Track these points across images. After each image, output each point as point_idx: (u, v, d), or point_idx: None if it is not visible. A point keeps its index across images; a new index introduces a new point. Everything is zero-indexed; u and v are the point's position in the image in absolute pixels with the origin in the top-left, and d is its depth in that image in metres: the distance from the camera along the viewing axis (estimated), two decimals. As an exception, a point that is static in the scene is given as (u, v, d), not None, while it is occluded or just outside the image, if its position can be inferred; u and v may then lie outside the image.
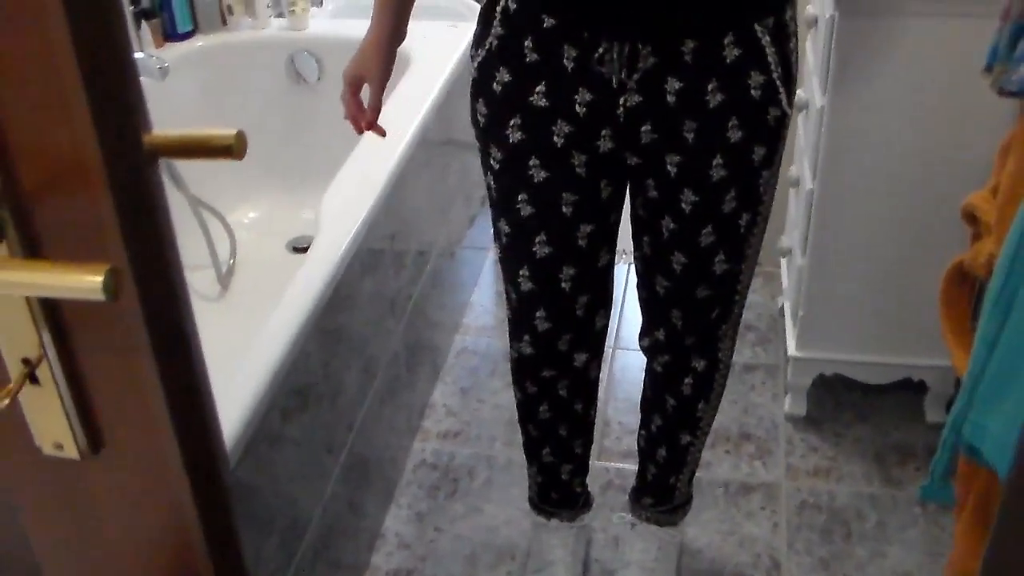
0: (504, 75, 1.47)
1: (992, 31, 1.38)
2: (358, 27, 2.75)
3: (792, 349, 2.32)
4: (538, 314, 1.64)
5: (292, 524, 1.69)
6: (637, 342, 1.79)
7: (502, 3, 1.45)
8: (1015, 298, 1.17)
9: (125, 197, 0.69)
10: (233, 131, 0.72)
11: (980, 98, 1.44)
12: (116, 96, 0.71)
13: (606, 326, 1.74)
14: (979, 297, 1.45)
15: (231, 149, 0.73)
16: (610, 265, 1.67)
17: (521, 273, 1.61)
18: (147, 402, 0.79)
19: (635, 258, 1.67)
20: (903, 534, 2.11)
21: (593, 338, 1.73)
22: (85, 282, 0.66)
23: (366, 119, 1.68)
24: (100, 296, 0.65)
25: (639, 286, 1.69)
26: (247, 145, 0.75)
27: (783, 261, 2.65)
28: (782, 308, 2.58)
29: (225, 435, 1.12)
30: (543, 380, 1.75)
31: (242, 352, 1.60)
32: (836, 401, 2.44)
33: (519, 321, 1.68)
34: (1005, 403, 1.19)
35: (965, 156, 1.93)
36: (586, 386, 1.81)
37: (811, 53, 2.28)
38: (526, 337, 1.68)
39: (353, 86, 1.67)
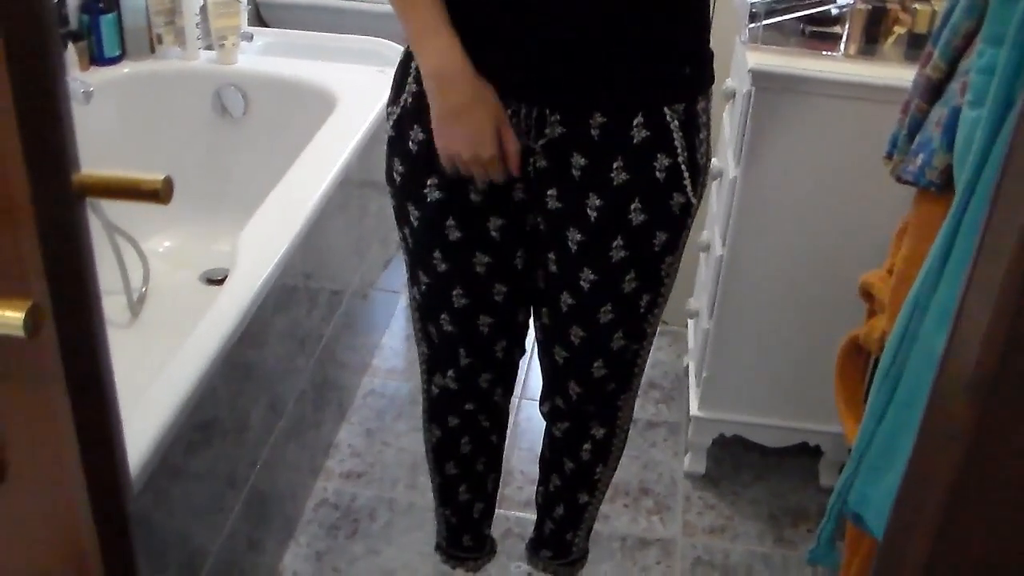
0: (418, 133, 1.47)
1: (894, 119, 1.45)
2: (286, 65, 2.81)
3: (694, 409, 2.38)
4: (461, 351, 1.67)
5: (189, 559, 1.68)
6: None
7: (416, 61, 1.44)
8: (902, 376, 1.22)
9: (51, 236, 0.71)
10: (161, 176, 0.74)
11: (882, 180, 1.50)
12: (47, 137, 0.72)
13: (519, 361, 1.76)
14: (873, 371, 1.51)
15: (158, 194, 0.75)
16: (528, 317, 1.70)
17: (442, 317, 1.63)
18: (57, 435, 0.80)
19: (535, 326, 1.68)
20: (792, 595, 2.17)
21: (510, 375, 1.76)
22: (5, 318, 0.67)
23: (514, 157, 1.42)
24: (20, 333, 0.66)
25: (540, 353, 1.71)
26: (174, 190, 0.77)
27: (690, 322, 2.71)
28: (687, 367, 2.64)
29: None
30: (465, 413, 1.78)
31: (149, 381, 1.59)
32: (735, 461, 2.50)
33: (441, 357, 1.70)
34: (888, 475, 1.25)
35: (866, 234, 2.00)
36: (501, 419, 1.85)
37: (727, 125, 2.36)
38: (450, 373, 1.70)
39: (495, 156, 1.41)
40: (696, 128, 1.44)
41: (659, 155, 1.41)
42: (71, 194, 0.73)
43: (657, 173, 1.42)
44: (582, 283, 1.52)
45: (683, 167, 1.43)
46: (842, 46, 2.01)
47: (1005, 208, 0.60)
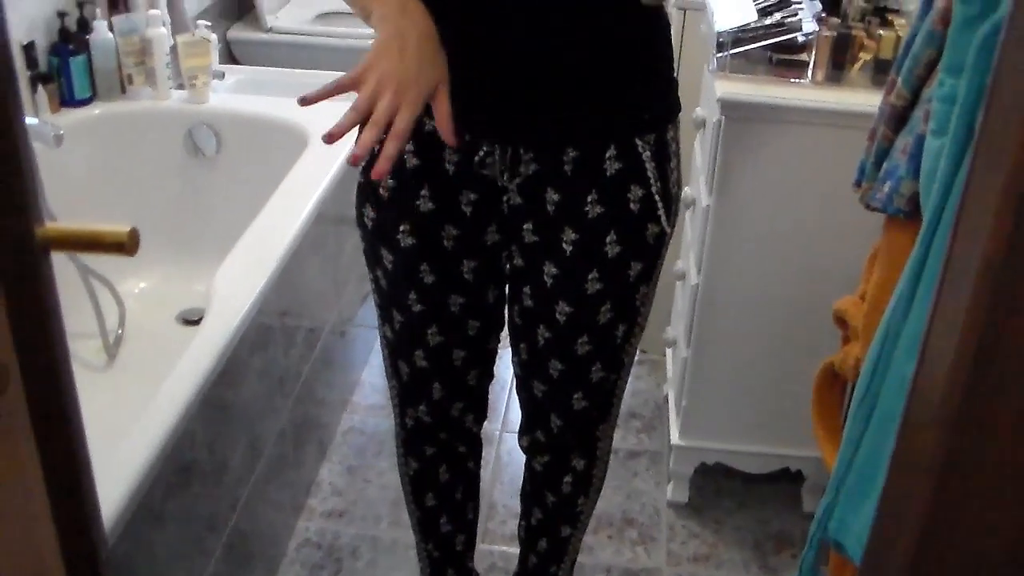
0: (388, 180, 1.47)
1: (863, 144, 1.46)
2: (259, 103, 2.81)
3: (675, 438, 2.38)
4: (435, 386, 1.67)
5: (170, 605, 1.67)
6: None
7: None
8: (876, 403, 1.23)
9: (15, 291, 0.71)
10: (126, 228, 0.74)
11: (853, 206, 1.51)
12: (10, 190, 0.72)
13: (488, 387, 1.77)
14: (850, 397, 1.52)
15: (123, 246, 0.75)
16: (497, 344, 1.70)
17: (416, 353, 1.63)
18: (25, 488, 0.79)
19: (513, 362, 1.69)
20: (777, 622, 2.16)
21: (481, 402, 1.77)
22: (-30, 376, 0.67)
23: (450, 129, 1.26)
24: (-15, 391, 0.66)
25: (518, 388, 1.71)
26: (139, 242, 0.76)
27: (668, 351, 2.71)
28: (666, 396, 2.64)
29: (104, 512, 1.12)
30: (441, 442, 1.78)
31: (127, 424, 1.58)
32: (717, 489, 2.50)
33: (414, 391, 1.70)
34: (867, 502, 1.25)
35: (839, 259, 2.01)
36: (476, 446, 1.86)
37: (699, 154, 2.37)
38: (422, 407, 1.70)
39: (418, 104, 1.24)
40: (667, 157, 1.46)
41: (632, 186, 1.42)
42: (35, 248, 0.73)
43: (631, 205, 1.43)
44: (558, 316, 1.52)
45: (656, 197, 1.44)
46: (809, 73, 2.02)
47: (965, 239, 0.60)
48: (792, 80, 2.01)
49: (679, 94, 1.49)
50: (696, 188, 2.31)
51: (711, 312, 2.19)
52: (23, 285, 0.73)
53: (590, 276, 1.47)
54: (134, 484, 1.48)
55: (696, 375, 2.27)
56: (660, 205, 1.45)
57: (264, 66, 3.23)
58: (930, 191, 1.12)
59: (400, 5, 1.25)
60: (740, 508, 2.45)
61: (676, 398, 2.43)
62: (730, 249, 2.11)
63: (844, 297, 1.58)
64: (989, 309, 0.58)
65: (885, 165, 1.34)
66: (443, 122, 1.25)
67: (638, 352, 2.98)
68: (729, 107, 1.96)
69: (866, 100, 1.87)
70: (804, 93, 1.97)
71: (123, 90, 2.72)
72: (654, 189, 1.44)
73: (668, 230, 1.50)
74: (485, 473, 2.46)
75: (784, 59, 2.04)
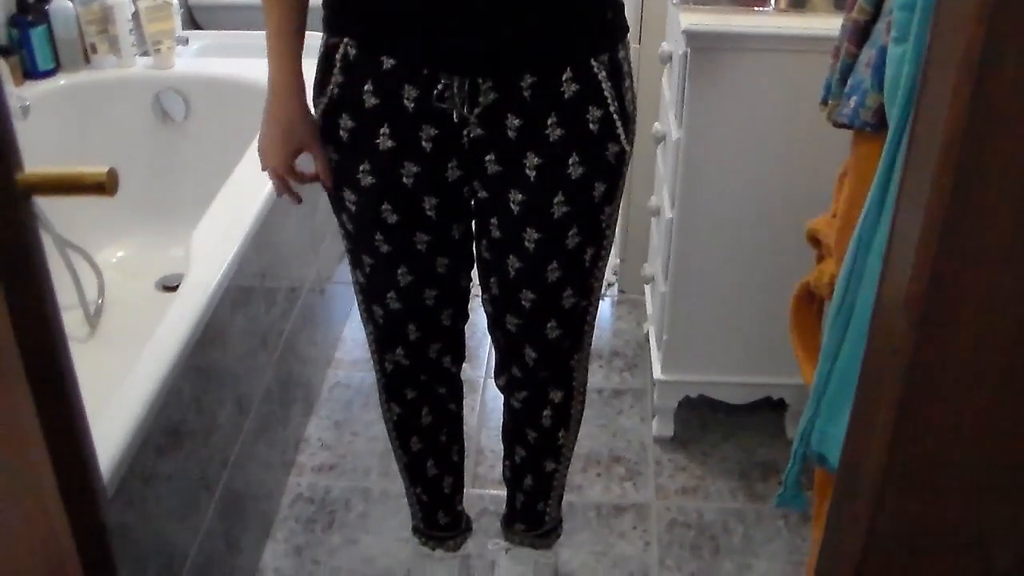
0: (348, 121, 1.50)
1: (827, 66, 1.48)
2: (224, 66, 2.79)
3: (658, 373, 2.40)
4: (410, 327, 1.69)
5: (168, 562, 1.69)
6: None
7: (341, 49, 1.46)
8: (852, 313, 1.25)
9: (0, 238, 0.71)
10: (104, 168, 0.75)
11: (822, 128, 1.53)
12: (-12, 136, 0.73)
13: (464, 330, 1.79)
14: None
15: (103, 186, 0.75)
16: (469, 282, 1.72)
17: (388, 296, 1.64)
18: (22, 432, 0.80)
19: (483, 300, 1.71)
20: (768, 546, 2.20)
21: (458, 343, 1.79)
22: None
23: (328, 181, 1.58)
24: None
25: (491, 327, 1.73)
26: (119, 182, 0.77)
27: (647, 288, 2.74)
28: (647, 334, 2.67)
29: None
30: (422, 384, 1.80)
31: (113, 392, 1.59)
32: (702, 421, 2.53)
33: (390, 335, 1.72)
34: (847, 411, 1.27)
35: (811, 183, 2.03)
36: (456, 387, 1.88)
37: (666, 88, 2.38)
38: (399, 350, 1.72)
39: (288, 165, 1.58)
40: (621, 76, 1.48)
41: (591, 107, 1.45)
42: (16, 193, 0.74)
43: (591, 125, 1.45)
44: (527, 244, 1.54)
45: (615, 116, 1.47)
46: (772, 1, 2.03)
47: (925, 126, 0.62)
48: (756, 8, 2.03)
49: (641, 26, 1.51)
50: (665, 122, 2.33)
51: (687, 245, 2.21)
52: (8, 232, 0.74)
53: (556, 199, 1.49)
54: (124, 446, 1.49)
55: (675, 309, 2.30)
56: (619, 124, 1.48)
57: (227, 30, 3.21)
58: (895, 100, 1.14)
59: (270, 87, 1.53)
60: (725, 439, 2.48)
61: (657, 333, 2.46)
62: (702, 181, 2.12)
63: (817, 217, 1.60)
64: (952, 190, 0.59)
65: (850, 80, 1.35)
66: (322, 172, 1.57)
67: (618, 293, 3.02)
68: (694, 38, 1.97)
69: (829, 24, 1.87)
70: (768, 20, 1.98)
71: (87, 59, 2.71)
72: (612, 108, 1.47)
73: (628, 148, 1.53)
74: (471, 420, 2.50)
75: (747, -12, 2.05)
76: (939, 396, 0.68)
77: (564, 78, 1.42)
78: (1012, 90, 0.57)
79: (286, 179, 1.60)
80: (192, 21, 3.45)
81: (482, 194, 1.55)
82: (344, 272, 2.82)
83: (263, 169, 1.62)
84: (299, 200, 1.64)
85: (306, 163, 1.61)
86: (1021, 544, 0.72)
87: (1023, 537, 0.72)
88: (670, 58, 2.28)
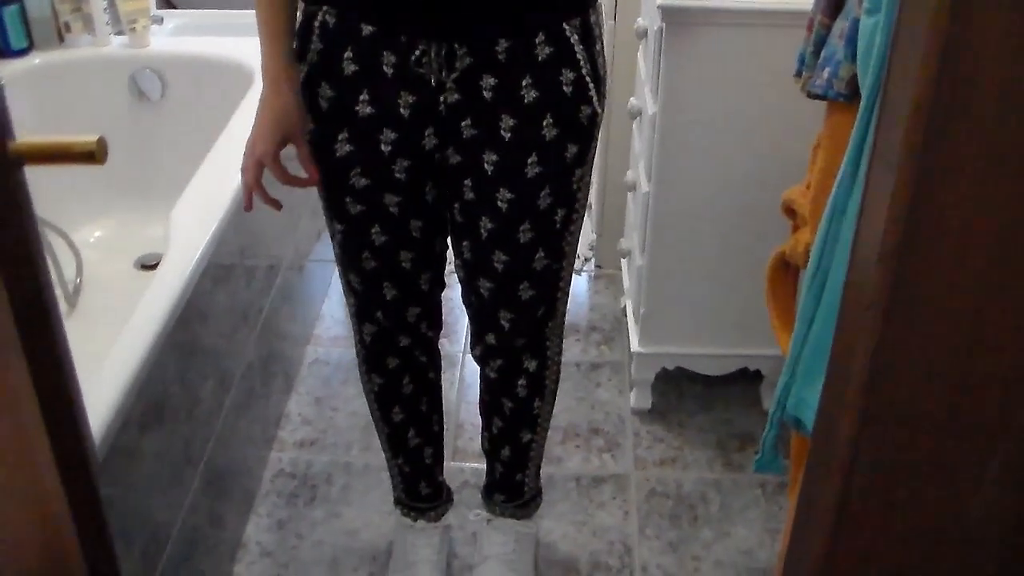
0: (327, 90, 1.51)
1: (801, 39, 1.50)
2: (200, 44, 2.79)
3: (635, 345, 2.43)
4: (386, 285, 1.70)
5: (152, 537, 1.70)
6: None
7: (320, 17, 1.48)
8: (827, 279, 1.28)
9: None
10: (94, 137, 0.76)
11: (795, 100, 1.55)
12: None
13: (441, 300, 1.81)
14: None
15: (93, 154, 0.77)
16: (445, 248, 1.74)
17: (363, 256, 1.66)
18: (16, 400, 0.82)
19: (456, 266, 1.72)
20: (745, 514, 2.23)
21: (435, 310, 1.81)
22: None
23: (313, 176, 1.58)
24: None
25: (464, 294, 1.75)
26: (108, 151, 0.78)
27: (624, 262, 2.76)
28: (624, 308, 2.69)
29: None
30: (402, 350, 1.82)
31: (93, 369, 1.60)
32: (679, 393, 2.56)
33: (368, 300, 1.74)
34: (822, 375, 1.30)
35: (785, 154, 2.06)
36: (434, 355, 1.90)
37: (642, 64, 2.40)
38: (378, 313, 1.74)
39: (274, 155, 1.56)
40: (593, 40, 1.51)
41: (564, 69, 1.47)
42: (9, 161, 0.75)
43: (564, 87, 1.48)
44: (500, 203, 1.56)
45: (587, 78, 1.50)
46: (746, -25, 2.05)
47: (896, 88, 0.64)
48: (729, -17, 2.04)
49: (616, 1, 1.53)
50: (641, 98, 2.34)
51: (663, 218, 2.23)
52: (0, 199, 0.75)
53: (529, 160, 1.52)
54: (107, 422, 1.50)
55: (652, 282, 2.32)
56: (591, 86, 1.51)
57: (201, 9, 3.20)
58: (867, 70, 1.16)
59: (263, 75, 1.53)
60: (702, 410, 2.51)
61: (634, 307, 2.48)
62: (678, 155, 2.15)
63: (792, 187, 1.62)
64: (922, 149, 0.61)
65: (823, 52, 1.37)
66: (303, 163, 1.57)
67: (595, 268, 3.05)
68: (669, 13, 1.98)
69: (802, -2, 1.90)
70: (742, -6, 2.00)
71: (61, 39, 2.70)
72: (584, 71, 1.49)
73: (599, 111, 1.55)
74: (451, 394, 2.52)
75: (720, -37, 2.06)
76: (912, 347, 0.71)
77: (538, 41, 1.45)
78: (977, 53, 0.59)
79: (260, 186, 1.59)
80: (166, 0, 3.44)
81: (455, 159, 1.56)
82: (322, 250, 2.83)
83: (244, 166, 1.59)
84: (279, 206, 1.63)
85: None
86: (992, 480, 0.75)
87: (994, 473, 0.75)
88: (645, 33, 2.30)
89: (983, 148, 0.63)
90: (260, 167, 1.57)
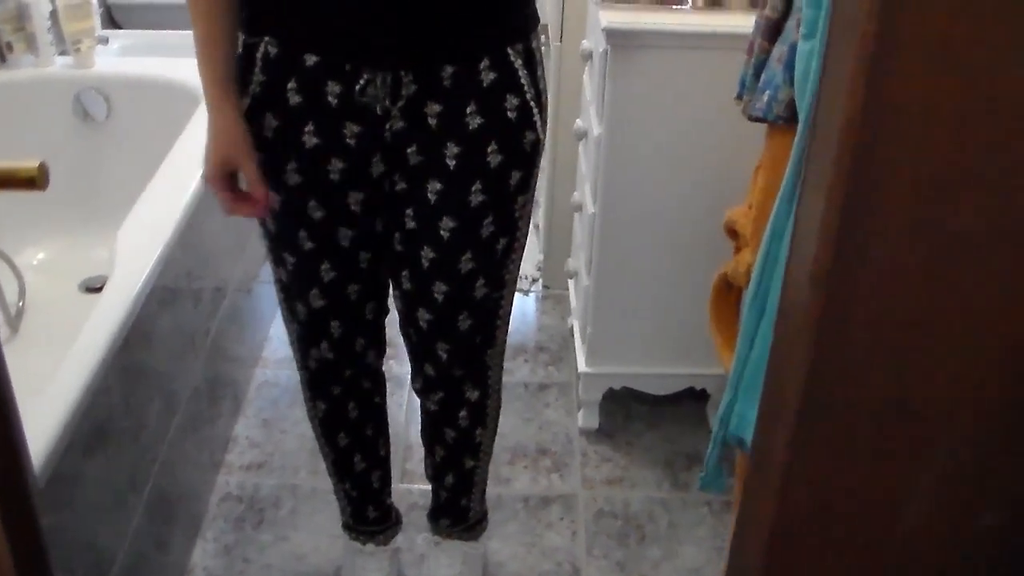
0: (272, 120, 1.50)
1: (741, 63, 1.53)
2: (146, 65, 2.78)
3: (582, 366, 2.44)
4: (333, 323, 1.70)
5: (96, 562, 1.68)
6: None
7: (262, 49, 1.46)
8: (767, 300, 1.30)
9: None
10: (35, 162, 0.76)
11: (738, 122, 1.57)
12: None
13: (384, 324, 1.80)
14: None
15: (35, 181, 0.76)
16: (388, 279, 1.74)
17: (312, 292, 1.65)
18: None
19: (395, 296, 1.72)
20: (693, 533, 2.25)
21: (380, 337, 1.81)
22: None
23: (260, 202, 1.53)
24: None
25: (402, 325, 1.74)
26: (49, 176, 0.78)
27: (571, 283, 2.78)
28: (572, 328, 2.71)
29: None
30: (346, 380, 1.81)
31: (36, 394, 1.58)
32: (626, 413, 2.58)
33: (313, 332, 1.72)
34: (764, 395, 1.32)
35: (728, 176, 2.08)
36: (379, 381, 1.90)
37: (587, 86, 2.42)
38: (324, 344, 1.73)
39: (224, 180, 1.53)
40: (535, 65, 1.52)
41: (508, 95, 1.48)
42: (-54, 186, 0.74)
43: (509, 113, 1.49)
44: (442, 232, 1.56)
45: (532, 104, 1.51)
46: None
47: (826, 113, 0.66)
48: (674, 7, 2.07)
49: (562, 23, 1.54)
50: (587, 119, 2.37)
51: (609, 239, 2.25)
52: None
53: (473, 188, 1.52)
54: (50, 448, 1.48)
55: (599, 303, 2.34)
56: (535, 112, 1.52)
57: (146, 29, 3.19)
58: (804, 94, 1.18)
59: (209, 101, 1.49)
60: (649, 429, 2.53)
61: (581, 327, 2.50)
62: (624, 176, 2.17)
63: (734, 208, 1.64)
64: (851, 172, 0.63)
65: (763, 76, 1.40)
66: (253, 187, 1.52)
67: (542, 288, 3.06)
68: (614, 36, 2.01)
69: (745, 22, 1.90)
70: (686, 18, 2.03)
71: (3, 58, 2.67)
72: (528, 96, 1.50)
73: (542, 137, 1.56)
74: (399, 416, 2.52)
75: (664, -13, 2.10)
76: (844, 366, 0.73)
77: (482, 66, 1.45)
78: (902, 79, 0.61)
79: (228, 194, 1.55)
80: (111, 20, 3.42)
81: (401, 186, 1.56)
82: (270, 272, 2.82)
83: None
84: (260, 214, 1.59)
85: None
86: (923, 501, 0.77)
87: (926, 494, 0.77)
88: (591, 56, 2.32)
89: (911, 172, 0.65)
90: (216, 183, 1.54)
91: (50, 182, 0.84)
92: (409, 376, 2.64)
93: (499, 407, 1.88)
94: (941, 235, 0.68)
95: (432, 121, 1.48)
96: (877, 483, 0.78)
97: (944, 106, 0.62)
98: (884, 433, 0.75)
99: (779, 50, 1.37)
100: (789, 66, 1.31)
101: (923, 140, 0.64)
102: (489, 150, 1.50)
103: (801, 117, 1.18)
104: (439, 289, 1.62)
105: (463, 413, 1.82)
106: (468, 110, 1.47)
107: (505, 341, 1.79)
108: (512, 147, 1.51)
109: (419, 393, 1.84)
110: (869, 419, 0.75)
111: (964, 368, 0.72)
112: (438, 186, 1.52)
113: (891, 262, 0.68)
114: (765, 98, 1.37)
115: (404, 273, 1.65)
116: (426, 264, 1.60)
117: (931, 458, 0.76)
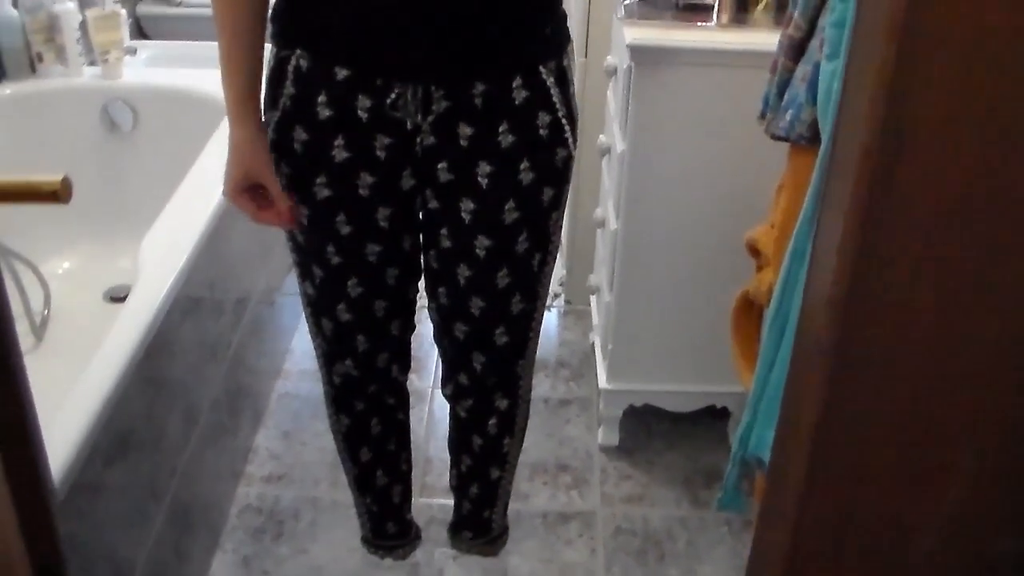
0: (301, 134, 1.49)
1: (765, 81, 1.52)
2: (173, 76, 2.80)
3: (603, 382, 2.44)
4: (359, 338, 1.70)
5: (115, 573, 1.69)
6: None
7: (293, 62, 1.46)
8: (788, 321, 1.29)
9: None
10: (59, 176, 0.76)
11: (761, 140, 1.57)
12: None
13: (410, 340, 1.81)
14: (765, 323, 1.58)
15: (57, 194, 0.77)
16: (416, 293, 1.74)
17: (338, 307, 1.66)
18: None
19: (430, 309, 1.72)
20: (712, 552, 2.24)
21: (405, 353, 1.81)
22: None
23: (285, 215, 1.55)
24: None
25: (437, 335, 1.75)
26: (72, 190, 0.79)
27: (593, 299, 2.77)
28: (593, 344, 2.70)
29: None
30: (370, 396, 1.81)
31: (60, 403, 1.59)
32: (647, 430, 2.57)
33: (339, 347, 1.73)
34: (784, 416, 1.31)
35: (750, 194, 2.08)
36: (403, 396, 1.90)
37: (611, 101, 2.42)
38: (348, 361, 1.74)
39: (246, 195, 1.54)
40: (567, 83, 1.52)
41: (540, 113, 1.48)
42: (-30, 198, 0.75)
43: (541, 131, 1.49)
44: (478, 251, 1.56)
45: (563, 121, 1.51)
46: (714, 16, 2.08)
47: (844, 138, 0.65)
48: (698, 24, 2.07)
49: (587, 40, 1.54)
50: (611, 135, 2.37)
51: (632, 256, 2.25)
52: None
53: (507, 206, 1.52)
54: (72, 457, 1.49)
55: (620, 319, 2.33)
56: (567, 128, 1.52)
57: (174, 40, 3.21)
58: (827, 114, 1.18)
59: (230, 115, 1.51)
60: (669, 447, 2.52)
61: (602, 343, 2.49)
62: (646, 192, 2.16)
63: (756, 227, 1.64)
64: (869, 196, 0.63)
65: (786, 95, 1.39)
66: (277, 200, 1.54)
67: (564, 303, 3.06)
68: (638, 53, 2.01)
69: (769, 40, 1.89)
70: (710, 36, 2.03)
71: (33, 69, 2.70)
72: (560, 114, 1.50)
73: (573, 153, 1.56)
74: (420, 429, 2.52)
75: (690, 4, 2.10)
76: (860, 390, 0.72)
77: (514, 85, 1.45)
78: (921, 103, 0.61)
79: (251, 205, 1.55)
80: (140, 31, 3.45)
81: (433, 204, 1.56)
82: (293, 283, 2.83)
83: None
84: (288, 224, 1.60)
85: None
86: (939, 527, 0.76)
87: (941, 520, 0.76)
88: (615, 72, 2.32)
89: (930, 195, 0.65)
90: (238, 197, 1.55)
91: (74, 194, 0.85)
92: (429, 391, 2.69)
93: (527, 418, 1.89)
94: (959, 260, 0.68)
95: (464, 142, 1.48)
96: (893, 507, 0.77)
97: (963, 132, 0.62)
98: (900, 457, 0.75)
99: (803, 69, 1.36)
100: (812, 86, 1.31)
101: (941, 165, 0.63)
102: (521, 167, 1.50)
103: (824, 138, 1.17)
104: (476, 304, 1.63)
105: (492, 421, 1.82)
106: (500, 129, 1.47)
107: (535, 352, 1.80)
108: (544, 164, 1.52)
109: (449, 399, 1.84)
110: (885, 443, 0.74)
111: (981, 393, 0.72)
112: (471, 205, 1.53)
113: (909, 286, 0.68)
114: (788, 117, 1.37)
115: (440, 289, 1.66)
116: (463, 281, 1.61)
117: (948, 482, 0.75)
